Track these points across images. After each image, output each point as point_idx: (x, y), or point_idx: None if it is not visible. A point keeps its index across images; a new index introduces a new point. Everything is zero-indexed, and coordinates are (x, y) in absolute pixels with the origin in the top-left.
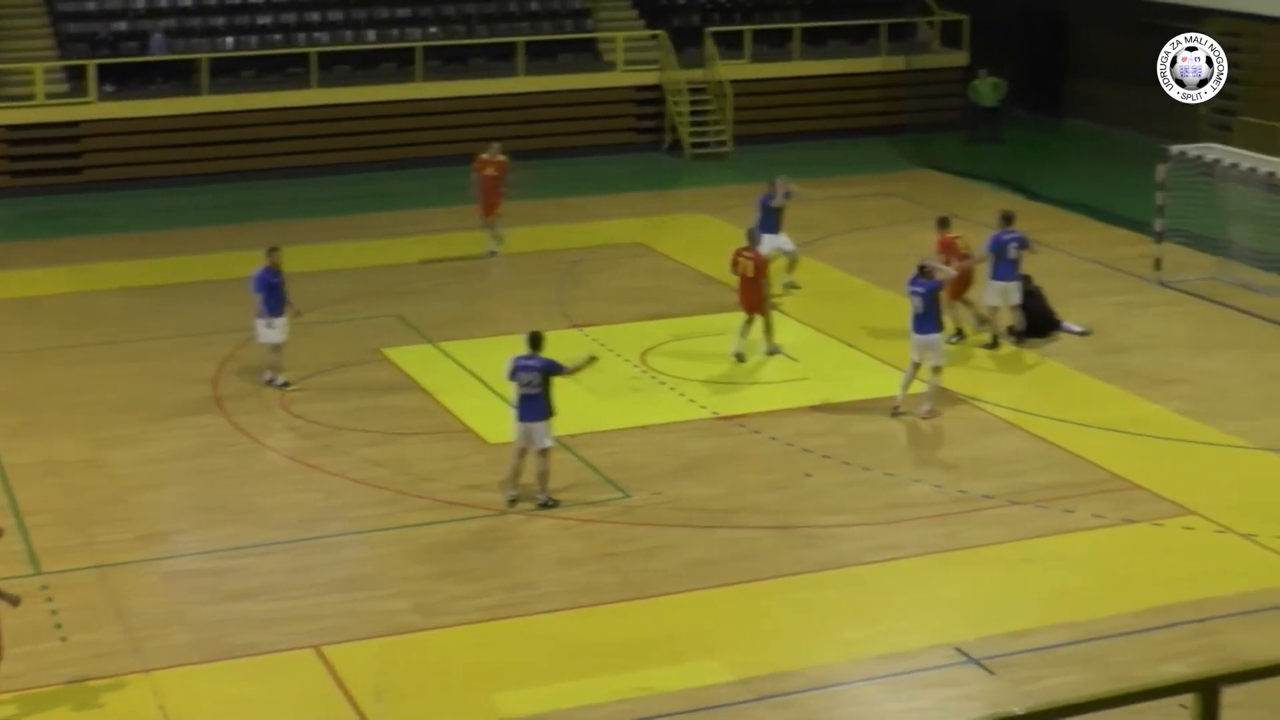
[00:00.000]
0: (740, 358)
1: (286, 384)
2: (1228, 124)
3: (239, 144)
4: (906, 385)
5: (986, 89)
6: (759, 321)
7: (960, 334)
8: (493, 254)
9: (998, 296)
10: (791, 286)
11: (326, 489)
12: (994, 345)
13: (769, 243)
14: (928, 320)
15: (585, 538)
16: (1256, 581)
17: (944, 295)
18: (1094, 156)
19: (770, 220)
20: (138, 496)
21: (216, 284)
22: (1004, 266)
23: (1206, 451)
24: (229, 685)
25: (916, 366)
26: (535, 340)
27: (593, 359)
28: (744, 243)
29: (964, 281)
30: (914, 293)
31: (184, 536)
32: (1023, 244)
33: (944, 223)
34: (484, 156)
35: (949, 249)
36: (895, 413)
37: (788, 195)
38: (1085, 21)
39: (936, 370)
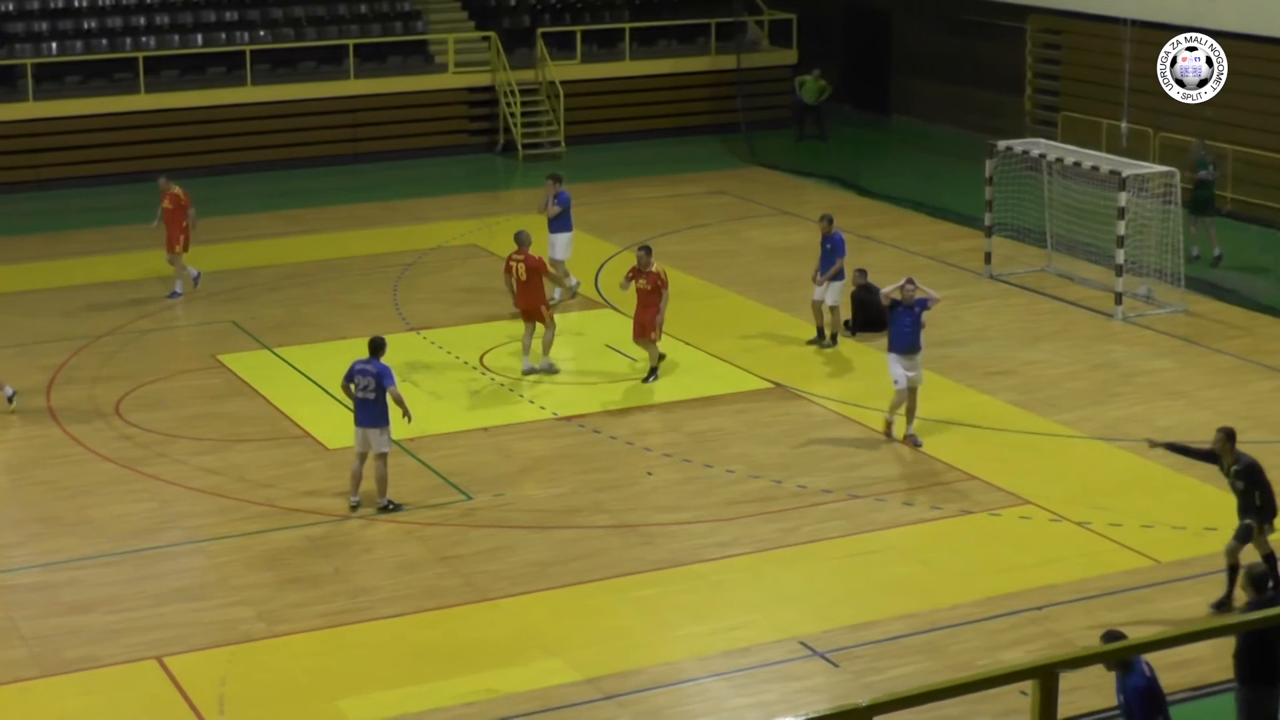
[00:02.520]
0: (530, 371)
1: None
2: (1052, 119)
3: (65, 150)
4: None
5: (810, 87)
6: (541, 330)
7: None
8: (176, 294)
9: (837, 295)
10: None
11: (162, 498)
12: (831, 342)
13: (563, 241)
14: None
15: (427, 541)
16: (1092, 568)
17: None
18: (921, 152)
19: (566, 218)
20: None
21: (45, 293)
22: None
23: (1039, 441)
24: (68, 699)
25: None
26: (375, 346)
27: (407, 418)
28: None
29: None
30: (907, 313)
31: (17, 550)
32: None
33: (649, 251)
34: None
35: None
36: (916, 444)
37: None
38: (909, 19)
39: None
